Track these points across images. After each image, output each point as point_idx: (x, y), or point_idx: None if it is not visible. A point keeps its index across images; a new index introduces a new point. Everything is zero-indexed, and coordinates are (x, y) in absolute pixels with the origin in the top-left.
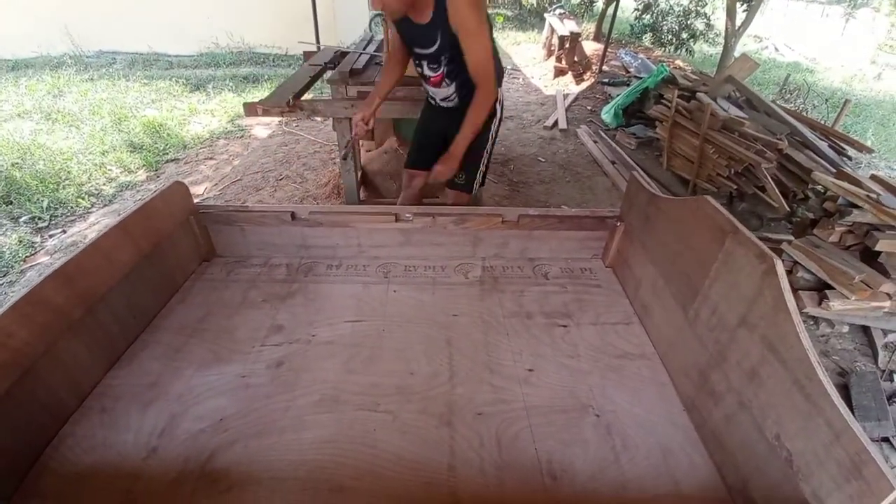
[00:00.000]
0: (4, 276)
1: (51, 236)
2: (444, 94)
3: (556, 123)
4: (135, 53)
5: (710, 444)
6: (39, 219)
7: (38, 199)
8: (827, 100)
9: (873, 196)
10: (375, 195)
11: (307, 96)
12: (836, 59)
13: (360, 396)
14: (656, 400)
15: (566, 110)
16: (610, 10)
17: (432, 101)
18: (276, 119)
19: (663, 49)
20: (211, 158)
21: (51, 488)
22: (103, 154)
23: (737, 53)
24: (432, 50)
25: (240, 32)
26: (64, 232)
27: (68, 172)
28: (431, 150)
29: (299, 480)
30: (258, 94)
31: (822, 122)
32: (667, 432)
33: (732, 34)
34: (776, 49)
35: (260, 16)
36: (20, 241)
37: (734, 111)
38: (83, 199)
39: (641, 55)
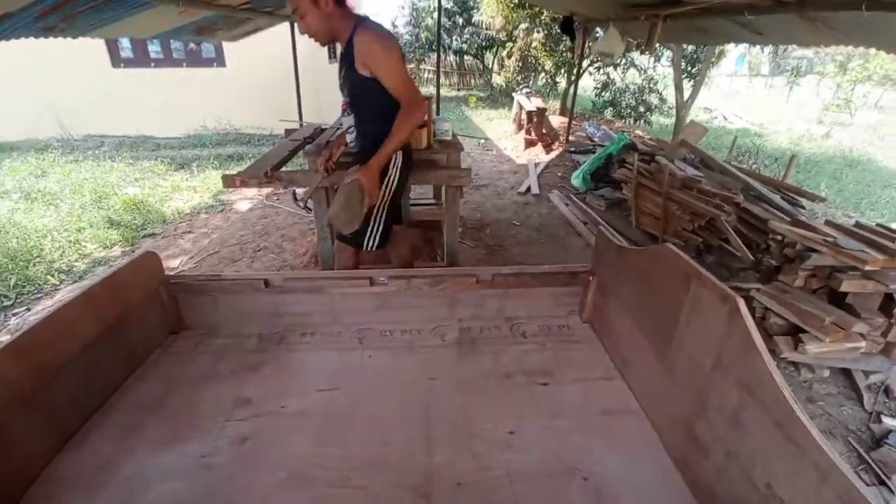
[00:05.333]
0: None
1: (14, 315)
2: (348, 122)
3: (528, 189)
4: (123, 137)
5: (706, 503)
6: (5, 297)
7: (5, 278)
8: (777, 159)
9: (829, 239)
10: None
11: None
12: (782, 124)
13: (330, 471)
14: (645, 458)
15: (538, 177)
16: (572, 90)
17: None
18: (258, 192)
19: (623, 121)
20: (190, 232)
21: None
22: (79, 231)
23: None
24: (343, 74)
25: (227, 116)
26: (28, 310)
27: (41, 250)
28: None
29: None
30: (240, 170)
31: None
32: (660, 495)
33: (682, 106)
34: (725, 118)
35: (247, 101)
36: None
37: (690, 171)
38: (52, 276)
39: (604, 126)
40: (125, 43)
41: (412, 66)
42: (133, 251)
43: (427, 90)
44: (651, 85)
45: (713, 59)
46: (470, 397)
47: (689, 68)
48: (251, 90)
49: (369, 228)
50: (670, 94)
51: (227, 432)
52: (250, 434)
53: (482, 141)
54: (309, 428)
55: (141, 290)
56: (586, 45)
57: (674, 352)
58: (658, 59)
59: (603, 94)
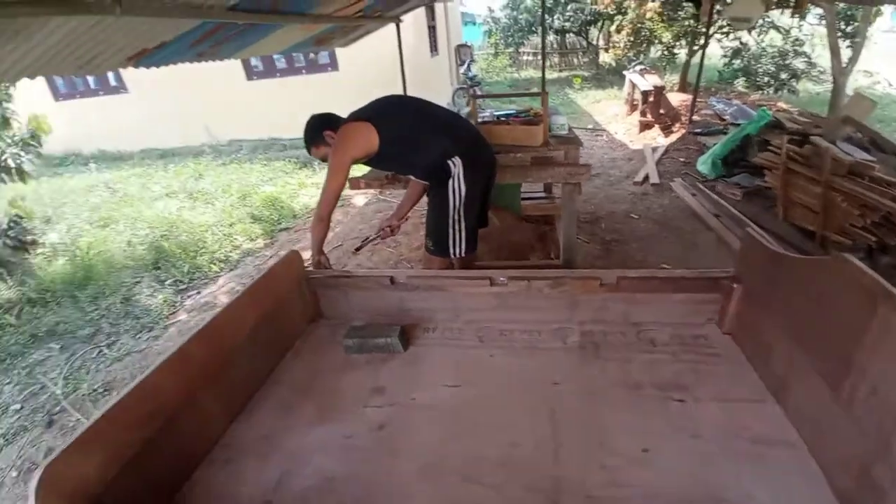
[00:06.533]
0: (151, 330)
1: (189, 297)
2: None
3: (646, 178)
4: (257, 140)
5: None
6: (181, 282)
7: (180, 265)
8: None
9: None
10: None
11: None
12: None
13: (462, 467)
14: (806, 497)
15: (657, 164)
16: (695, 59)
17: None
18: (373, 189)
19: (760, 92)
20: None
21: None
22: (230, 226)
23: (848, 90)
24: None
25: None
26: (199, 293)
27: (204, 242)
28: None
29: None
30: (359, 167)
31: None
32: None
33: (840, 72)
34: (890, 84)
35: (360, 99)
36: (164, 301)
37: (860, 154)
38: (214, 264)
39: (736, 101)
40: (256, 58)
41: (510, 50)
42: (272, 243)
43: (527, 73)
44: (796, 48)
45: (871, 16)
46: (597, 406)
47: (844, 26)
48: (362, 89)
49: (450, 238)
50: (819, 56)
51: (367, 417)
52: (386, 421)
53: (590, 126)
54: (438, 421)
55: (288, 284)
56: (714, 10)
57: (853, 381)
58: (803, 18)
59: (733, 62)
